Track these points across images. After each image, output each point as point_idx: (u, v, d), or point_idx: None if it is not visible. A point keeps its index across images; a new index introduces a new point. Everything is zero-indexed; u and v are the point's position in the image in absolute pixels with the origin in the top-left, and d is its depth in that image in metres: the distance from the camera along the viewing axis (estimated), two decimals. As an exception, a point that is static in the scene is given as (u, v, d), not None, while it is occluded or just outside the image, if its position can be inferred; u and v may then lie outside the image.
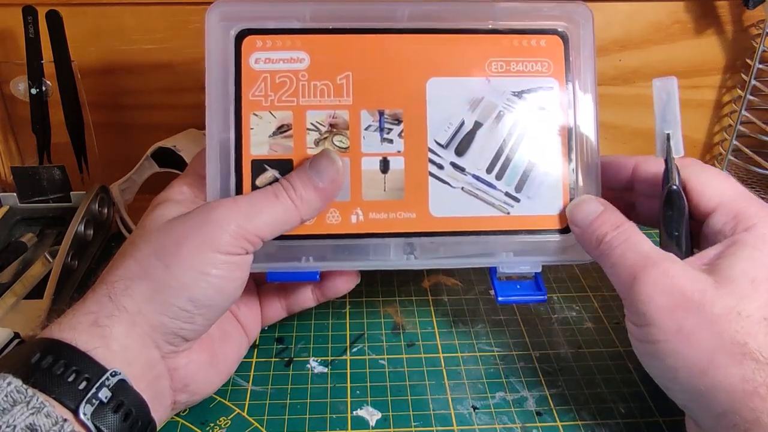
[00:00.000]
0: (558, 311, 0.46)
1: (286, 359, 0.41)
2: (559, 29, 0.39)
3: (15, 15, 0.47)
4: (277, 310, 0.41)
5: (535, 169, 0.38)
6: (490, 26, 0.38)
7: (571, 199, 0.38)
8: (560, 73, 0.38)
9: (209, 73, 0.36)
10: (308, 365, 0.40)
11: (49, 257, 0.46)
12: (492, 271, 0.39)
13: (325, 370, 0.40)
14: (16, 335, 0.38)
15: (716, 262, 0.32)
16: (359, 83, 0.37)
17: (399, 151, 0.37)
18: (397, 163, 0.37)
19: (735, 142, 0.57)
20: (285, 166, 0.36)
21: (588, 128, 0.38)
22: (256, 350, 0.42)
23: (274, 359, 0.41)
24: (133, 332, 0.31)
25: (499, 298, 0.38)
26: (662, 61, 0.57)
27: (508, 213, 0.38)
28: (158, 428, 0.32)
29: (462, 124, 0.38)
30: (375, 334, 0.43)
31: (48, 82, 0.49)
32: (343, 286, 0.40)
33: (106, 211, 0.51)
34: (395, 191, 0.37)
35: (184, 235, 0.32)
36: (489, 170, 0.38)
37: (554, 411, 0.37)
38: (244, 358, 0.41)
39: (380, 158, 0.37)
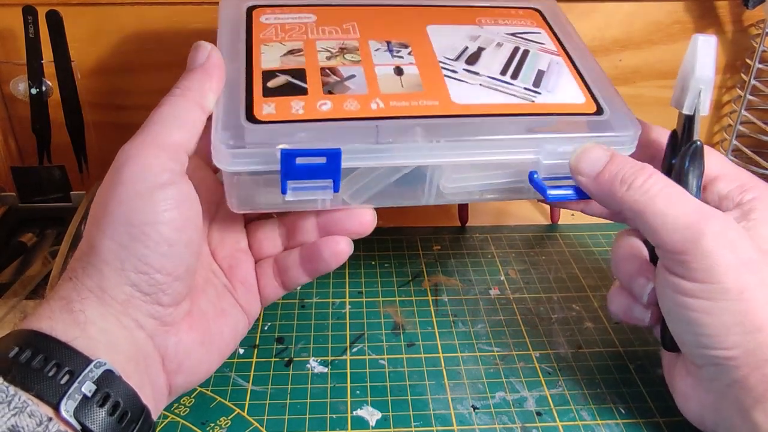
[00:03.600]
0: (558, 311, 0.46)
1: (286, 359, 0.41)
2: (533, 6, 0.44)
3: (15, 15, 0.47)
4: (273, 287, 0.38)
5: (548, 73, 0.39)
6: (474, 4, 0.44)
7: (592, 95, 0.37)
8: (545, 27, 0.43)
9: (221, 32, 0.38)
10: (308, 365, 0.40)
11: (49, 257, 0.46)
12: (532, 178, 0.35)
13: (325, 370, 0.40)
14: (16, 335, 0.38)
15: (743, 227, 0.33)
16: (364, 27, 0.39)
17: (411, 63, 0.37)
18: (411, 69, 0.37)
19: (735, 142, 0.57)
20: (298, 73, 0.35)
21: (585, 55, 0.41)
22: (256, 350, 0.42)
23: (274, 359, 0.41)
24: (109, 314, 0.29)
25: (549, 193, 0.35)
26: (662, 61, 0.57)
27: (533, 101, 0.36)
28: (159, 413, 0.32)
29: (466, 48, 0.40)
30: (375, 334, 0.43)
31: (48, 82, 0.49)
32: (325, 251, 0.36)
33: (106, 211, 0.51)
34: (414, 86, 0.36)
35: (104, 193, 0.30)
36: (503, 73, 0.38)
37: (554, 411, 0.37)
38: (244, 358, 0.41)
39: (393, 66, 0.37)
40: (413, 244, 0.53)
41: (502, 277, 0.49)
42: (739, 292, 0.30)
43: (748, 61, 0.56)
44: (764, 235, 0.32)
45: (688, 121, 0.35)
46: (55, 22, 0.47)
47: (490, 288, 0.48)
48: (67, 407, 0.26)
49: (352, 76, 0.36)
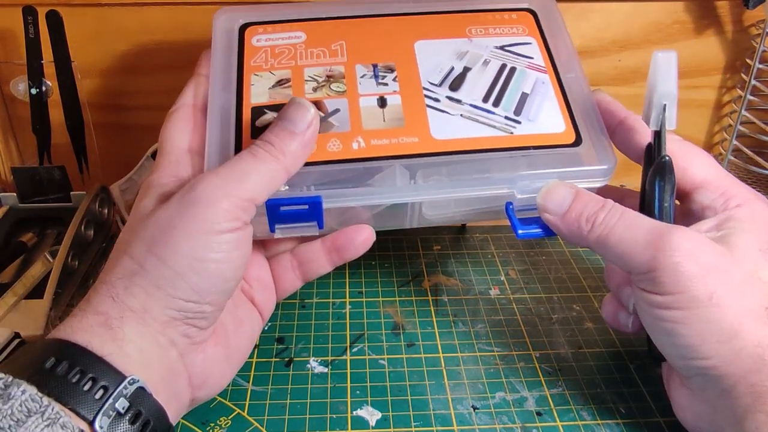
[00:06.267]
0: (558, 311, 0.46)
1: (286, 359, 0.41)
2: (526, 6, 0.44)
3: (15, 15, 0.47)
4: (292, 280, 0.39)
5: (531, 96, 0.39)
6: (466, 8, 0.43)
7: (572, 122, 0.38)
8: (536, 34, 0.42)
9: (215, 53, 0.39)
10: (308, 365, 0.40)
11: (49, 257, 0.46)
12: (509, 209, 0.37)
13: (325, 370, 0.40)
14: (16, 335, 0.38)
15: (718, 235, 0.33)
16: (352, 48, 0.40)
17: (395, 91, 0.38)
18: (394, 100, 0.38)
19: (735, 142, 0.57)
20: None
21: (574, 68, 0.41)
22: (256, 350, 0.42)
23: (274, 359, 0.41)
24: (146, 333, 0.30)
25: (519, 232, 0.36)
26: (662, 61, 0.57)
27: (512, 133, 0.37)
28: (175, 423, 0.32)
29: (452, 69, 0.40)
30: (375, 334, 0.43)
31: (48, 82, 0.49)
32: (356, 238, 0.38)
33: (106, 211, 0.51)
34: (395, 121, 0.37)
35: (170, 221, 0.30)
36: (485, 99, 0.39)
37: (554, 411, 0.37)
38: (244, 358, 0.41)
39: (377, 97, 0.38)
40: (413, 244, 0.53)
41: (502, 277, 0.49)
42: (708, 298, 0.30)
43: (748, 61, 0.56)
44: (737, 244, 0.32)
45: (656, 137, 0.35)
46: (55, 22, 0.47)
47: (490, 288, 0.48)
48: (102, 423, 0.26)
49: (336, 110, 0.37)
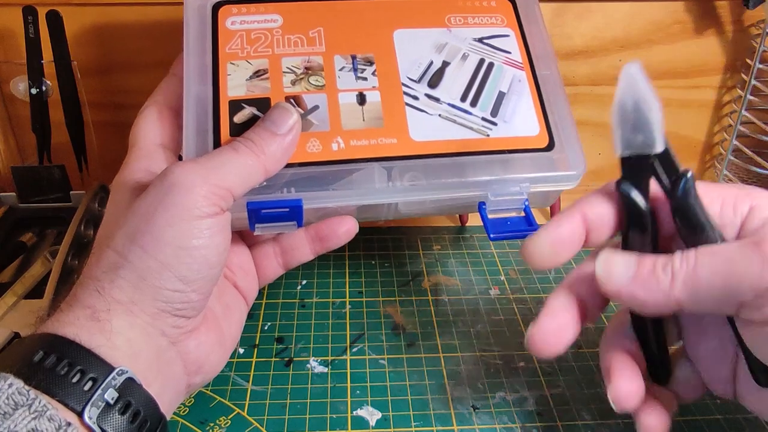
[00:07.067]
0: (558, 311, 0.46)
1: (286, 359, 0.41)
2: None
3: (15, 15, 0.47)
4: (273, 267, 0.40)
5: (508, 96, 0.39)
6: None
7: (546, 124, 0.39)
8: (514, 25, 0.42)
9: (187, 36, 0.38)
10: (308, 365, 0.40)
11: (48, 257, 0.46)
12: (481, 209, 0.38)
13: (325, 370, 0.40)
14: (16, 335, 0.38)
15: None
16: (330, 35, 0.40)
17: (374, 86, 0.38)
18: (373, 97, 0.38)
19: (735, 142, 0.57)
20: (262, 104, 0.37)
21: (549, 65, 0.41)
22: (256, 350, 0.42)
23: (274, 359, 0.41)
24: (135, 324, 0.30)
25: (491, 235, 0.37)
26: (662, 61, 0.57)
27: (488, 135, 0.38)
28: (171, 412, 0.32)
29: (431, 63, 0.40)
30: (375, 334, 0.43)
31: (48, 82, 0.49)
32: (339, 229, 0.38)
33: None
34: (374, 120, 0.37)
35: (150, 210, 0.30)
36: (463, 99, 0.39)
37: (554, 411, 0.37)
38: (244, 357, 0.41)
39: (356, 93, 0.38)
40: (413, 244, 0.53)
41: (502, 277, 0.49)
42: None
43: (748, 61, 0.56)
44: None
45: (666, 156, 0.29)
46: (55, 22, 0.47)
47: (490, 288, 0.48)
48: (91, 414, 0.26)
49: (316, 108, 0.37)
